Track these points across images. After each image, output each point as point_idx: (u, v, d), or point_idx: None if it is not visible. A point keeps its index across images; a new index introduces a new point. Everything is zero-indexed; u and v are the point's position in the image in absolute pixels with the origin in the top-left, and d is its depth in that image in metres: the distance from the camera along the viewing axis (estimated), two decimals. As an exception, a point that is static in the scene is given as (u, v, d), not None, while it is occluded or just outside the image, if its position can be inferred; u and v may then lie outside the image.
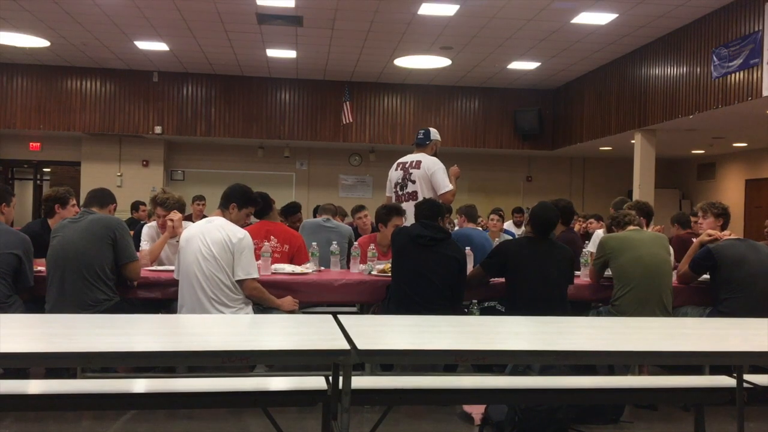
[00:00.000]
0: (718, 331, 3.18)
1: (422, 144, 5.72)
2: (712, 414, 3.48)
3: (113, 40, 10.72)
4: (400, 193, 5.59)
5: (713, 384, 3.39)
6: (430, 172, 5.46)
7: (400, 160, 5.72)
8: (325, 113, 13.36)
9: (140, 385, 3.20)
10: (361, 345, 2.31)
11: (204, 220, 4.52)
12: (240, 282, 4.22)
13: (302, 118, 13.37)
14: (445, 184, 5.46)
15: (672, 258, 4.95)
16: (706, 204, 5.15)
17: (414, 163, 5.56)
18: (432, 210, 4.63)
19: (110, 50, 11.36)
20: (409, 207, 5.28)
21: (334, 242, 5.48)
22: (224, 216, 4.40)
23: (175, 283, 4.44)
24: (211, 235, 4.23)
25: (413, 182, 5.51)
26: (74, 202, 5.07)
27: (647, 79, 10.25)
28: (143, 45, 10.94)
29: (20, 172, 14.80)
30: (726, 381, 3.30)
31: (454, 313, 4.44)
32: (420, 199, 5.30)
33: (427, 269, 4.36)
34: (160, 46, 11.02)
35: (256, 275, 4.29)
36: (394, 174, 5.70)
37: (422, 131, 5.84)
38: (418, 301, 4.31)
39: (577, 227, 7.87)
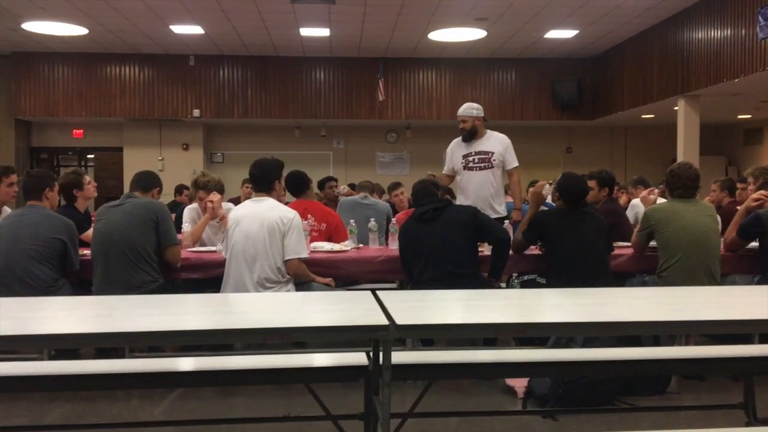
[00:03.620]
0: (766, 299, 3.10)
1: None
2: (761, 384, 3.41)
3: (149, 26, 10.83)
4: None
5: (763, 353, 3.32)
6: None
7: None
8: (360, 91, 13.32)
9: (186, 364, 3.27)
10: (399, 320, 2.31)
11: (250, 200, 4.51)
12: (287, 261, 4.26)
13: (338, 96, 13.36)
14: None
15: (719, 226, 4.83)
16: (758, 169, 4.97)
17: None
18: (430, 189, 4.70)
19: (147, 36, 11.48)
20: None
21: (372, 219, 5.49)
22: (271, 196, 4.42)
23: (216, 263, 4.51)
24: (264, 216, 4.25)
25: None
26: (88, 179, 5.21)
27: (690, 43, 9.95)
28: (179, 29, 11.03)
29: (65, 159, 15.12)
30: (776, 350, 3.23)
31: (505, 252, 4.48)
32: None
33: (445, 236, 4.37)
34: (196, 30, 11.09)
35: (304, 255, 4.33)
36: None
37: None
38: (449, 269, 4.31)
39: (623, 200, 7.70)
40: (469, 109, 5.76)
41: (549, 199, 5.71)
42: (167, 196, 9.11)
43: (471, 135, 5.72)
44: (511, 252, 4.70)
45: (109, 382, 3.08)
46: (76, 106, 12.96)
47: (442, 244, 4.37)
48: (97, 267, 4.33)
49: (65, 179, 5.17)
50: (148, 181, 4.64)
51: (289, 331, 2.35)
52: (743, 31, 8.66)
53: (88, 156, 14.80)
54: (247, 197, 8.35)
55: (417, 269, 4.44)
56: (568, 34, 11.41)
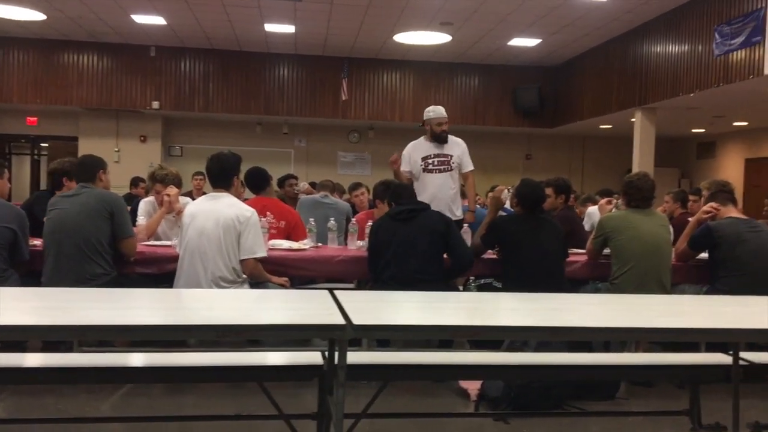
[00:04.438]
0: (714, 309, 3.18)
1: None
2: (707, 391, 3.49)
3: (110, 14, 10.62)
4: None
5: (709, 361, 3.40)
6: None
7: None
8: (324, 89, 13.28)
9: (137, 359, 3.20)
10: (356, 320, 2.31)
11: (208, 196, 4.45)
12: (242, 261, 4.20)
13: (301, 94, 13.29)
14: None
15: (672, 236, 4.93)
16: (713, 183, 5.06)
17: None
18: (412, 191, 4.85)
19: (107, 24, 11.25)
20: None
21: (332, 219, 5.47)
22: (229, 192, 4.36)
23: (171, 258, 4.43)
24: (221, 214, 4.18)
25: None
26: None
27: (649, 57, 10.17)
28: (140, 19, 10.83)
29: (17, 146, 14.74)
30: (722, 358, 3.31)
31: (461, 273, 4.50)
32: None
33: (415, 238, 4.39)
34: (158, 20, 10.92)
35: (261, 254, 4.26)
36: None
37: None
38: (412, 271, 4.32)
39: (578, 211, 7.84)
40: (444, 111, 5.85)
41: (507, 205, 5.77)
42: (122, 188, 8.96)
43: (446, 138, 5.80)
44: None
45: (56, 377, 3.00)
46: (31, 93, 12.63)
47: (411, 246, 4.37)
48: (48, 258, 4.22)
49: (59, 165, 5.05)
50: (89, 170, 4.40)
51: (244, 328, 2.33)
52: (700, 47, 8.89)
53: (42, 144, 14.44)
54: (198, 189, 8.29)
55: (380, 265, 4.45)
56: (531, 42, 11.56)
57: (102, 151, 12.90)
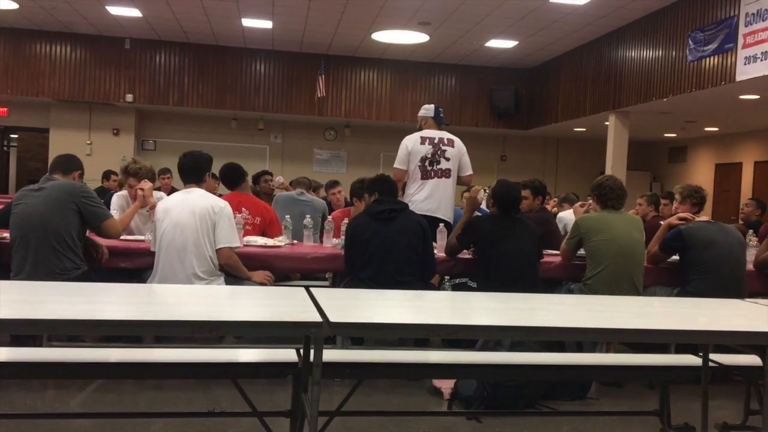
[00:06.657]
0: (685, 311, 3.23)
1: (449, 124, 5.86)
2: (676, 392, 3.55)
3: (84, 4, 10.45)
4: (429, 168, 5.52)
5: (679, 363, 3.46)
6: (461, 153, 5.56)
7: (424, 135, 5.57)
8: (300, 86, 13.22)
9: (107, 355, 3.16)
10: (333, 317, 2.30)
11: (182, 191, 4.42)
12: (218, 250, 4.19)
13: (277, 90, 13.21)
14: (470, 167, 5.62)
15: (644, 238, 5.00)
16: (686, 189, 5.14)
17: (447, 141, 5.54)
18: (394, 187, 4.74)
19: (81, 14, 11.08)
20: (440, 183, 5.43)
21: (308, 216, 5.45)
22: (200, 188, 4.34)
23: (144, 252, 4.38)
24: (194, 205, 4.16)
25: (447, 160, 5.47)
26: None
27: (623, 61, 10.29)
28: (115, 10, 10.68)
29: (-14, 137, 14.45)
30: (691, 360, 3.36)
31: (425, 286, 4.46)
32: (452, 177, 5.46)
33: (395, 239, 4.37)
34: (133, 12, 10.77)
35: (236, 244, 4.27)
36: (421, 148, 5.53)
37: (440, 110, 5.84)
38: (390, 273, 4.31)
39: (550, 205, 7.92)
40: None
41: (483, 205, 5.79)
42: (95, 182, 8.84)
43: None
44: (444, 254, 4.77)
45: (24, 371, 2.95)
46: (2, 83, 12.37)
47: (390, 247, 4.35)
48: (17, 253, 4.13)
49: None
50: (69, 164, 4.40)
51: (219, 324, 2.31)
52: (674, 53, 9.02)
53: (12, 136, 14.18)
54: (167, 188, 8.20)
55: (358, 264, 4.43)
56: (507, 44, 11.62)
57: (74, 143, 12.77)
